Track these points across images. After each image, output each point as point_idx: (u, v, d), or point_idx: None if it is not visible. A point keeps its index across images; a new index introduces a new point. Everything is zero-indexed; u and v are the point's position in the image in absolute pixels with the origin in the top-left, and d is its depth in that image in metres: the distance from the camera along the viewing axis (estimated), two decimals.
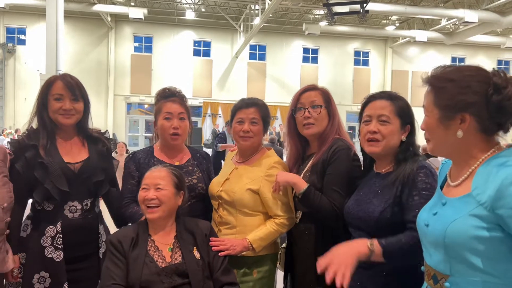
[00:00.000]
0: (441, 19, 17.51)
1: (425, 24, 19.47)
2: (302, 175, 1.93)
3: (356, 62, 22.64)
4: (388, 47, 22.50)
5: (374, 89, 22.00)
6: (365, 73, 22.53)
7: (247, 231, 1.91)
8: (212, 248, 1.78)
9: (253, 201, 1.93)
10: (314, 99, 1.95)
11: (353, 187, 1.77)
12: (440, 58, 22.70)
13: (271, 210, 1.92)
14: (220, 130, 17.86)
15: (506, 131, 1.14)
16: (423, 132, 1.27)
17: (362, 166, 1.84)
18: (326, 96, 1.97)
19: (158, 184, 1.73)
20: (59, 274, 1.89)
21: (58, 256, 1.89)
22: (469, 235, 1.05)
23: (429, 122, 1.18)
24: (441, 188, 1.24)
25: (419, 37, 18.91)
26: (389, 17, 20.08)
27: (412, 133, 1.64)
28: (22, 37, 19.76)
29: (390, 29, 20.22)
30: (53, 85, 1.94)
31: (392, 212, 1.53)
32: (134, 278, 1.62)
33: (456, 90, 1.12)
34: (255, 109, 1.98)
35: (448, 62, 22.91)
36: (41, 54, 13.43)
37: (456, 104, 1.12)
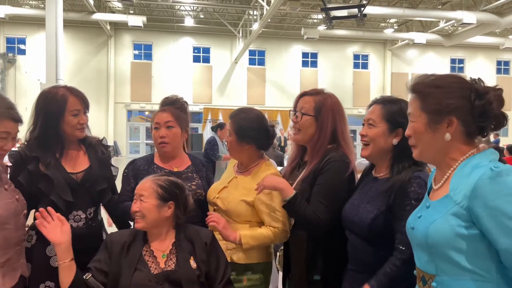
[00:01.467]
0: (440, 21, 17.56)
1: (424, 26, 19.52)
2: (295, 182, 1.91)
3: (356, 66, 22.68)
4: (387, 50, 22.55)
5: (374, 92, 22.02)
6: (365, 76, 22.57)
7: None
8: (206, 219, 1.80)
9: (246, 212, 1.93)
10: (303, 106, 1.91)
11: (343, 199, 1.75)
12: (439, 60, 22.76)
13: (266, 223, 1.92)
14: None
15: (484, 135, 1.22)
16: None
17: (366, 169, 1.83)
18: (318, 105, 1.88)
19: (141, 196, 1.73)
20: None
21: None
22: (449, 234, 1.11)
23: (417, 127, 1.25)
24: (428, 193, 1.30)
25: (418, 39, 18.96)
26: (388, 20, 20.14)
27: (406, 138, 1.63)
28: (22, 47, 19.86)
29: (388, 32, 20.27)
30: (68, 101, 1.93)
31: (385, 219, 1.54)
32: (124, 283, 1.61)
33: (443, 95, 1.20)
34: (229, 122, 2.03)
35: (447, 63, 22.97)
36: (41, 63, 13.47)
37: (444, 108, 1.19)
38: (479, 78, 1.22)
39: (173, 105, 2.21)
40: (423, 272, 1.21)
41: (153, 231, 1.74)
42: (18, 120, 1.62)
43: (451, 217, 1.12)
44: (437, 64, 22.67)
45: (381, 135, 1.63)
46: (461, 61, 23.37)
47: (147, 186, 1.75)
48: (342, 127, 1.89)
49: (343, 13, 13.10)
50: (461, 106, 1.18)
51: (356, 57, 22.71)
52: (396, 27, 20.63)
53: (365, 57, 22.81)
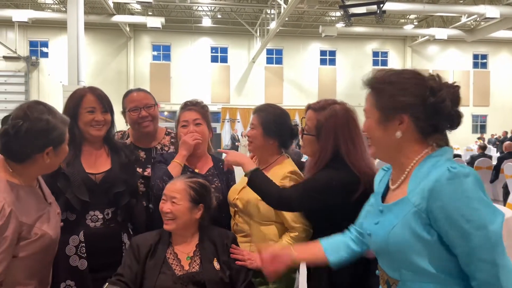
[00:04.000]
0: (461, 16, 17.17)
1: (445, 22, 19.12)
2: None
3: (375, 63, 22.39)
4: (407, 46, 22.18)
5: None
6: None
7: (262, 240, 1.91)
8: (231, 255, 1.76)
9: (266, 211, 1.90)
10: (306, 122, 1.85)
11: (320, 202, 1.73)
12: (461, 56, 22.27)
13: (286, 221, 1.90)
14: (239, 136, 17.91)
15: (441, 132, 1.18)
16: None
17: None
18: (320, 124, 1.78)
19: (174, 198, 1.73)
20: (85, 283, 1.91)
21: (82, 264, 1.92)
22: (410, 238, 1.08)
23: (369, 124, 1.22)
24: (383, 195, 1.26)
25: (439, 35, 18.57)
26: (407, 16, 19.81)
27: None
28: (45, 50, 20.33)
29: (408, 28, 19.93)
30: (84, 98, 1.98)
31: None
32: (149, 285, 1.62)
33: (395, 92, 1.16)
34: (255, 115, 2.02)
35: (470, 59, 22.46)
36: (63, 65, 13.79)
37: (395, 105, 1.16)
38: (437, 75, 1.18)
39: (194, 105, 2.24)
40: (387, 275, 1.19)
41: (180, 233, 1.75)
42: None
43: (410, 221, 1.09)
44: (459, 60, 22.20)
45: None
46: (484, 56, 22.80)
47: (180, 188, 1.75)
48: (347, 147, 1.74)
49: (362, 10, 12.93)
50: (414, 104, 1.14)
51: (375, 54, 22.42)
52: (416, 23, 20.26)
53: (385, 54, 22.50)
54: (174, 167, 2.02)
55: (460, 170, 1.04)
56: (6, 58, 19.54)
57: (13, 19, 16.35)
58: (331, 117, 1.76)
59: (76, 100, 1.98)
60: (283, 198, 1.73)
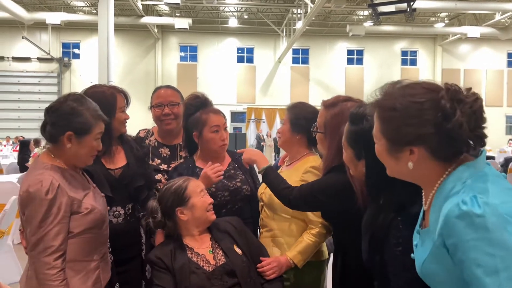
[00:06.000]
0: (495, 14, 16.61)
1: (478, 20, 18.53)
2: None
3: (404, 62, 21.95)
4: (437, 45, 21.63)
5: None
6: (414, 73, 21.76)
7: (285, 235, 1.92)
8: (259, 270, 1.79)
9: None
10: (318, 119, 1.79)
11: (326, 204, 1.69)
12: (495, 55, 21.55)
13: (307, 216, 1.89)
14: (265, 136, 17.92)
15: (472, 153, 1.00)
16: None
17: None
18: (326, 121, 1.71)
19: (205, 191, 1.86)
20: (111, 276, 1.95)
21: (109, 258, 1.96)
22: (441, 273, 0.97)
23: (379, 151, 1.09)
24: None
25: (471, 33, 18.02)
26: (438, 14, 19.31)
27: (372, 167, 1.29)
28: (76, 51, 20.97)
29: (439, 27, 19.44)
30: (117, 99, 2.04)
31: (373, 259, 1.34)
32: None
33: (400, 122, 1.00)
34: (286, 111, 2.05)
35: (504, 58, 21.72)
36: (94, 66, 14.15)
37: (402, 138, 1.01)
38: (454, 86, 0.97)
39: (210, 105, 2.27)
40: None
41: (199, 228, 1.78)
42: (106, 120, 1.71)
43: (435, 255, 0.97)
44: (492, 59, 21.47)
45: (350, 161, 1.43)
46: None
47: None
48: None
49: (391, 8, 12.68)
50: (423, 134, 0.97)
51: (404, 53, 21.97)
52: (447, 21, 19.73)
53: (414, 53, 22.02)
54: None
55: (471, 210, 0.88)
56: (40, 59, 20.27)
57: (47, 22, 16.94)
58: (336, 115, 1.68)
59: (111, 101, 2.02)
60: (292, 199, 1.73)
